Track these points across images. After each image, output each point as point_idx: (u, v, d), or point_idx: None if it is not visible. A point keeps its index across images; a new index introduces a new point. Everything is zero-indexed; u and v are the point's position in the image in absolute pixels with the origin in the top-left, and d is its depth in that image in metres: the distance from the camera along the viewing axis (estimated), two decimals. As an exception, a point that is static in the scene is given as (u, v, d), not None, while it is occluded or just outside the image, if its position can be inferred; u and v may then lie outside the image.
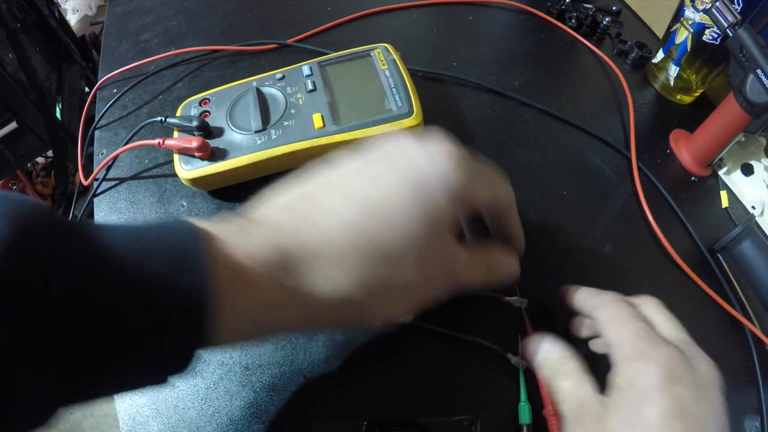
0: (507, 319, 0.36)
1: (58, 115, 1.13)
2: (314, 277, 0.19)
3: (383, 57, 0.43)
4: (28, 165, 1.30)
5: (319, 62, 0.42)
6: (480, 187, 0.23)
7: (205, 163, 0.37)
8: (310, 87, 0.40)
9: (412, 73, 0.44)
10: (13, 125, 0.97)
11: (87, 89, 1.27)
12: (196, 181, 0.38)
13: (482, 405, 0.33)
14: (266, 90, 0.41)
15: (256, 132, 0.38)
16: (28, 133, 1.00)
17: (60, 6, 1.36)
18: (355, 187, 0.21)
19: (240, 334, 0.20)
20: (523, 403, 0.32)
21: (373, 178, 0.21)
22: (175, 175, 0.38)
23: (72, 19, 1.43)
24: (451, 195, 0.21)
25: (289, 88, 0.40)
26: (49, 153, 1.18)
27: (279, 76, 0.41)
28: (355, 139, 0.38)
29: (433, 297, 0.25)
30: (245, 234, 0.19)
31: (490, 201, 0.25)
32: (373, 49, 0.44)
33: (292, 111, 0.39)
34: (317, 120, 0.38)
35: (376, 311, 0.22)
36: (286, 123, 0.38)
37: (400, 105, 0.40)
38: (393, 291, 0.22)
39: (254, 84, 0.41)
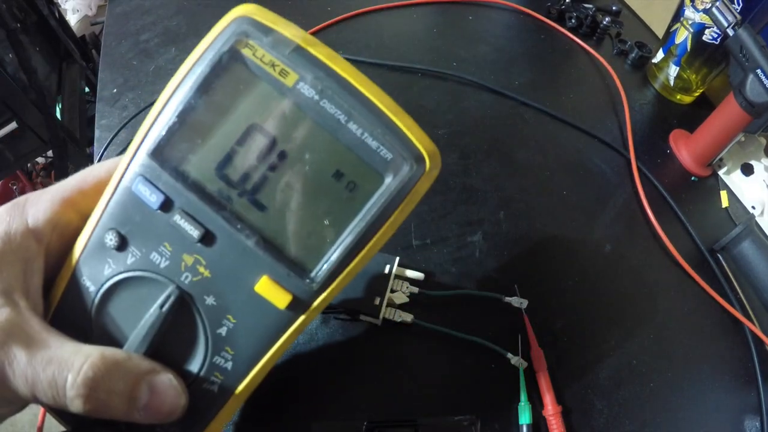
0: (507, 319, 0.36)
1: (58, 115, 1.13)
2: None
3: (261, 52, 0.19)
4: (28, 165, 1.31)
5: (149, 151, 0.19)
6: None
7: None
8: (192, 232, 0.19)
9: (412, 72, 0.38)
10: (13, 125, 0.97)
11: (87, 89, 1.27)
12: None
13: (482, 405, 0.33)
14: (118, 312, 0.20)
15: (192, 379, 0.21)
16: (28, 133, 1.00)
17: (60, 6, 1.36)
18: None
19: None
20: (523, 404, 0.32)
21: None
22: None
23: (72, 19, 1.43)
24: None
25: (155, 274, 0.20)
26: (49, 153, 1.18)
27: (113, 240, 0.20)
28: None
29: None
30: None
31: None
32: (232, 41, 0.19)
33: (211, 301, 0.20)
34: (272, 292, 0.20)
35: None
36: (222, 331, 0.20)
37: (393, 154, 0.19)
38: None
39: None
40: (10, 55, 0.95)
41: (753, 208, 0.46)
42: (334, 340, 0.34)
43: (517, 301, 0.36)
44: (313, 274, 0.20)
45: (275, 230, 0.20)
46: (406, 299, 0.34)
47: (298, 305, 0.20)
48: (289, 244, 0.20)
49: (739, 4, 0.43)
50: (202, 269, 0.20)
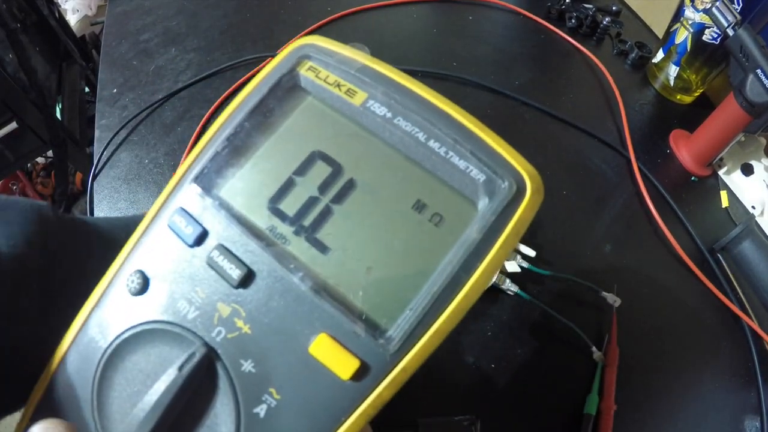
0: (506, 313, 0.36)
1: (58, 115, 1.13)
2: None
3: (324, 72, 0.17)
4: (28, 165, 1.31)
5: (193, 176, 0.17)
6: None
7: None
8: (231, 271, 0.15)
9: (412, 73, 0.40)
10: (13, 125, 0.97)
11: (87, 89, 1.27)
12: None
13: (483, 405, 0.33)
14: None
15: None
16: (28, 133, 1.00)
17: (60, 6, 1.36)
18: None
19: None
20: (593, 395, 0.33)
21: None
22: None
23: (72, 19, 1.43)
24: None
25: (179, 328, 0.15)
26: (49, 153, 1.18)
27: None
28: (445, 330, 0.15)
29: None
30: None
31: None
32: (293, 62, 0.17)
33: (248, 367, 0.15)
34: (332, 356, 0.15)
35: None
36: (260, 410, 0.15)
37: (486, 175, 0.15)
38: None
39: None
40: (10, 55, 0.95)
41: (753, 208, 0.46)
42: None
43: (612, 298, 0.36)
44: (389, 332, 0.15)
45: (339, 276, 0.15)
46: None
47: (367, 376, 0.15)
48: (358, 294, 0.15)
49: (739, 4, 0.43)
50: (240, 323, 0.15)
